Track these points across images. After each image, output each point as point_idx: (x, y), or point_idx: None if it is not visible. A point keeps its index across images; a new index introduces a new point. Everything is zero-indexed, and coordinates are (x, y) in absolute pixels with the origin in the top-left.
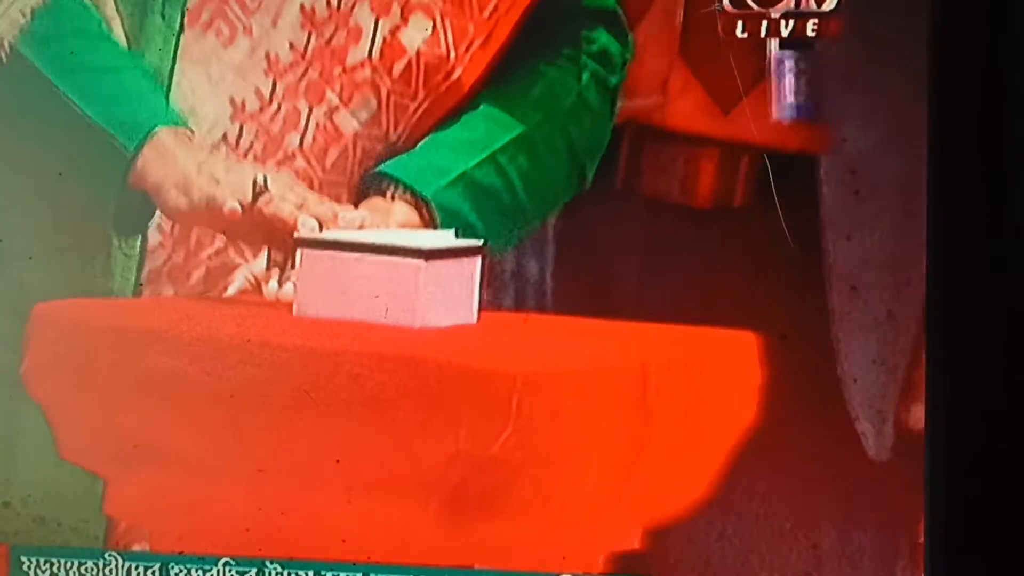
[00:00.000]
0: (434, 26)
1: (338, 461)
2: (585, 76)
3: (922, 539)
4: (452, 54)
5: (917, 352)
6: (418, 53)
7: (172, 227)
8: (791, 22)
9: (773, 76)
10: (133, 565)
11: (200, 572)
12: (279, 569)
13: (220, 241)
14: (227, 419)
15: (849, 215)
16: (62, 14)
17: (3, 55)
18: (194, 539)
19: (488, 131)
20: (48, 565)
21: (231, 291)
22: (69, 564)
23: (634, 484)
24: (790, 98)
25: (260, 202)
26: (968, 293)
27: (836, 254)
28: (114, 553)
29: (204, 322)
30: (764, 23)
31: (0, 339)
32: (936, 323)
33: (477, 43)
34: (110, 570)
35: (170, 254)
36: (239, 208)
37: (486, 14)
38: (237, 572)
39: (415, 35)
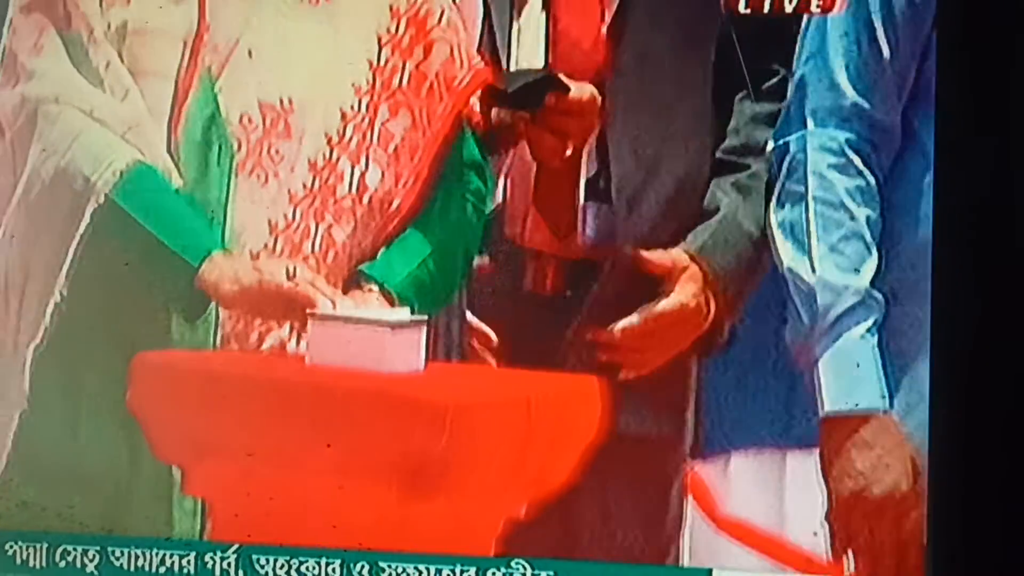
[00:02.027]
0: (382, 172)
1: (329, 445)
2: (469, 208)
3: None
4: (394, 190)
5: None
6: (376, 189)
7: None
8: None
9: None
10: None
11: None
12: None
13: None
14: (270, 420)
15: None
16: (142, 174)
17: (102, 201)
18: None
19: (418, 245)
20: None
21: (266, 346)
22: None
23: (522, 475)
24: (591, 231)
25: (293, 282)
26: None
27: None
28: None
29: (253, 364)
30: None
31: (110, 377)
32: (941, 323)
33: (409, 182)
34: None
35: (234, 324)
36: (285, 283)
37: (414, 160)
38: (223, 559)
39: (374, 177)
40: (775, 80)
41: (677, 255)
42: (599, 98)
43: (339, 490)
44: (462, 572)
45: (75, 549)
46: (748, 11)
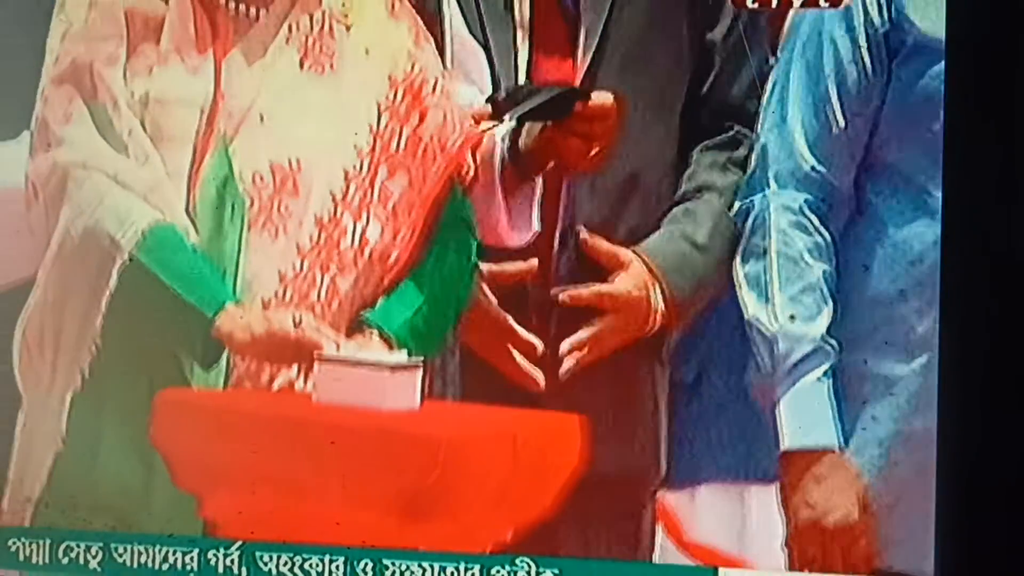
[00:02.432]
0: (382, 227)
1: (343, 481)
2: (459, 261)
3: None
4: (393, 243)
5: None
6: (376, 242)
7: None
8: None
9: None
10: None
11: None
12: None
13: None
14: (280, 452)
15: None
16: (162, 232)
17: (127, 258)
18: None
19: (414, 294)
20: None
21: (276, 386)
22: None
23: (508, 504)
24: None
25: (299, 329)
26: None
27: None
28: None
29: (265, 401)
30: None
31: (135, 414)
32: (950, 323)
33: (406, 236)
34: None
35: (247, 366)
36: (292, 330)
37: (411, 216)
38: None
39: (374, 231)
40: (729, 135)
41: (622, 250)
42: (620, 103)
43: (341, 517)
44: (466, 570)
45: (78, 546)
46: (755, 4)
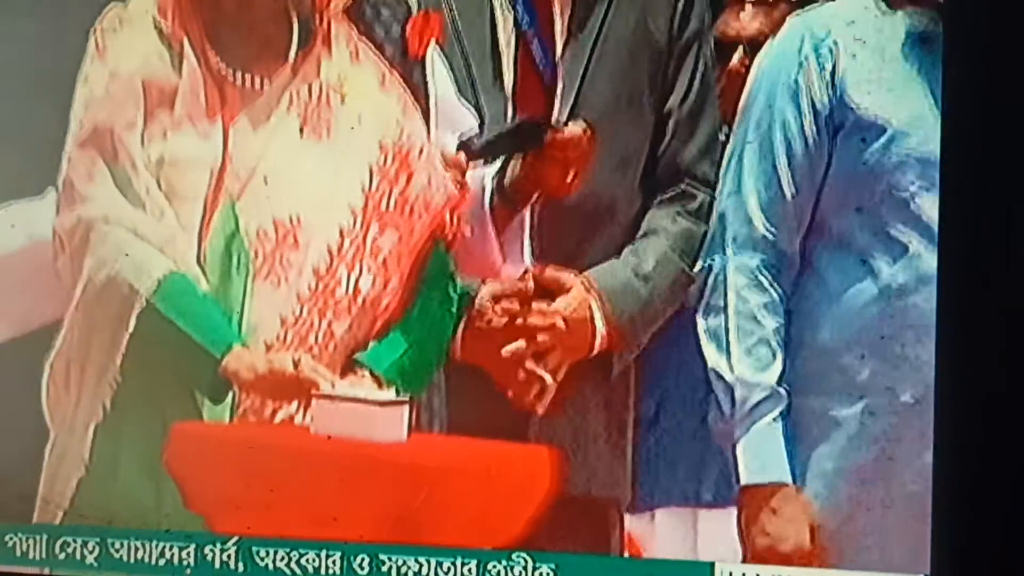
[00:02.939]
0: (373, 278)
1: (338, 504)
2: (442, 308)
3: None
4: (383, 293)
5: None
6: (368, 292)
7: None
8: None
9: None
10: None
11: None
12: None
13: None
14: (281, 479)
15: None
16: (176, 281)
17: (144, 304)
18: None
19: (401, 338)
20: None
21: (278, 419)
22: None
23: (485, 527)
24: None
25: (298, 370)
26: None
27: None
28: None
29: (268, 433)
30: None
31: (150, 442)
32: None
33: (394, 287)
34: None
35: (252, 401)
36: (291, 370)
37: (399, 268)
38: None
39: (366, 282)
40: (681, 189)
41: (566, 275)
42: (590, 130)
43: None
44: (463, 565)
45: (75, 541)
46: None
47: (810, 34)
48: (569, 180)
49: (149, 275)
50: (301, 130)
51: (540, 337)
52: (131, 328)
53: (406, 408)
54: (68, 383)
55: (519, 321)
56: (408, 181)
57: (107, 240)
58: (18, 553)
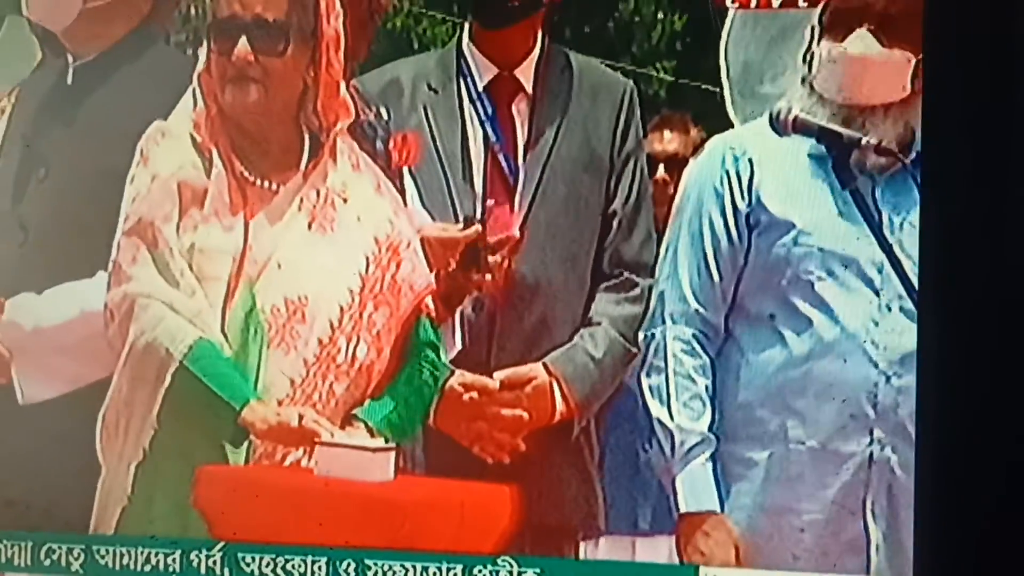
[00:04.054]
0: (368, 345)
1: (336, 533)
2: (425, 373)
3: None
4: (376, 360)
5: None
6: (363, 359)
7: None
8: None
9: None
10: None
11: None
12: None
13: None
14: (290, 512)
15: None
16: (204, 347)
17: (177, 365)
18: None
19: (391, 398)
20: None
21: (287, 463)
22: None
23: (458, 552)
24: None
25: (302, 422)
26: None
27: None
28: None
29: (279, 475)
30: None
31: (181, 480)
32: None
33: (385, 355)
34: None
35: (265, 448)
36: (297, 422)
37: (390, 336)
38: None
39: (362, 351)
40: (622, 279)
41: (531, 367)
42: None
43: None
44: (448, 570)
45: (60, 547)
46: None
47: (730, 151)
48: (485, 279)
49: (182, 341)
50: (310, 225)
51: (506, 416)
52: (167, 384)
53: (393, 454)
54: (116, 429)
55: (486, 411)
56: (398, 267)
57: (148, 312)
58: (3, 559)
